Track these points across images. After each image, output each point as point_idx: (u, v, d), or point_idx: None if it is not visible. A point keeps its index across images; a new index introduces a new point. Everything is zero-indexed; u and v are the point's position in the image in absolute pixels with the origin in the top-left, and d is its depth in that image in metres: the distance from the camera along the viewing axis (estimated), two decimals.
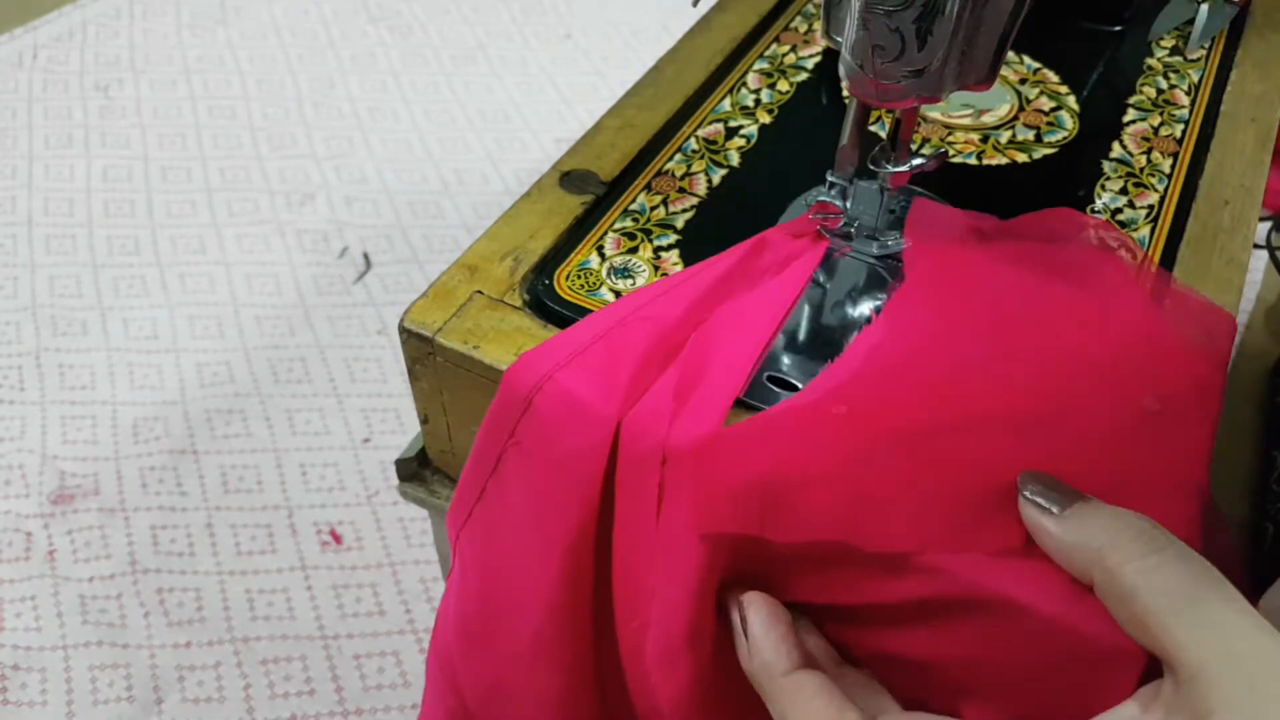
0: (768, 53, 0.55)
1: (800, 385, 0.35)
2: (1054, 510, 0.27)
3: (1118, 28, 0.57)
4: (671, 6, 1.63)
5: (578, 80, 1.50)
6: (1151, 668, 0.26)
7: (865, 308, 0.40)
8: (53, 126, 1.35)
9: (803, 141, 0.49)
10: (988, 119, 0.50)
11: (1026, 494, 0.28)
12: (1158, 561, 0.25)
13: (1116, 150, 0.49)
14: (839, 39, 0.36)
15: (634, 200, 0.45)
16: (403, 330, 0.40)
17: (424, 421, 0.45)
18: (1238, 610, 0.24)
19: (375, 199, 1.28)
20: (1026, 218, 0.39)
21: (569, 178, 0.47)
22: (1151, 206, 0.46)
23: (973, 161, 0.48)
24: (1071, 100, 0.52)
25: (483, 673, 0.39)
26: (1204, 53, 0.56)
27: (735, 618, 0.32)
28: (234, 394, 1.03)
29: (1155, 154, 0.49)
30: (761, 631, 0.31)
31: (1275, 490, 0.54)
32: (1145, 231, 0.45)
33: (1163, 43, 0.56)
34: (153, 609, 0.85)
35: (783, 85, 0.53)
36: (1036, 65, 0.54)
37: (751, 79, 0.53)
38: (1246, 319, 0.94)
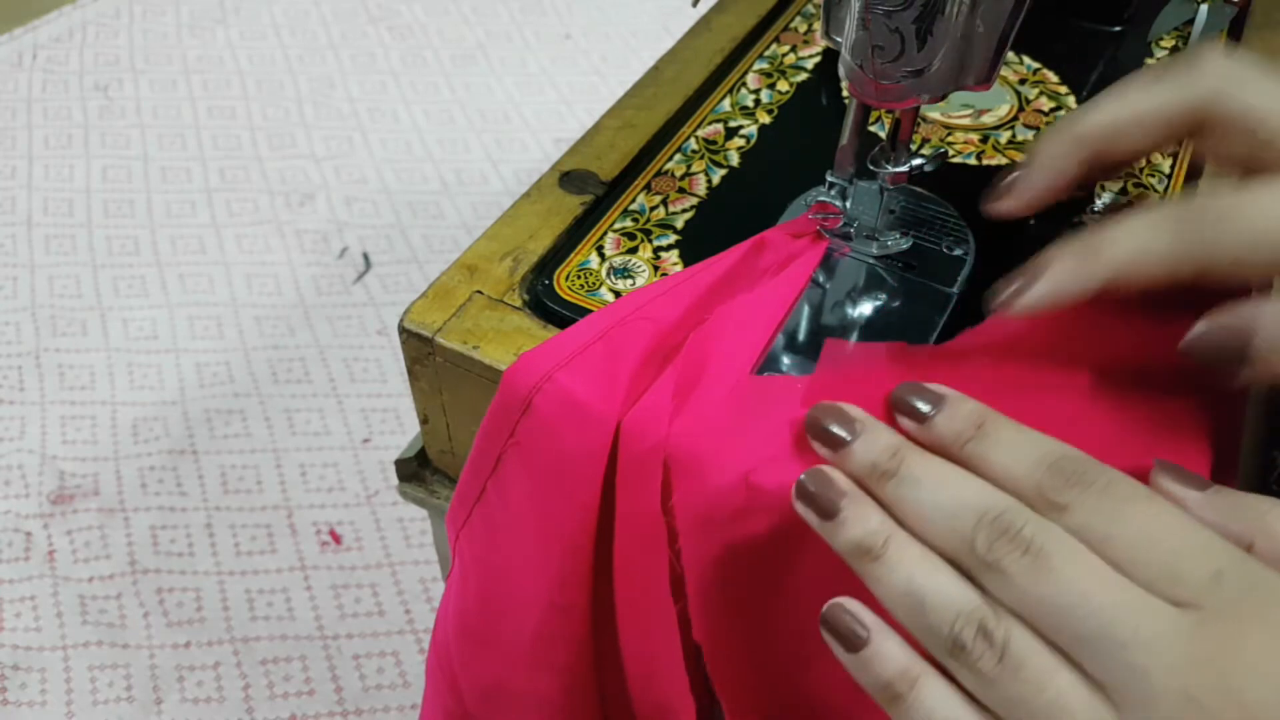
0: (767, 53, 0.55)
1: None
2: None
3: (1118, 28, 0.57)
4: (671, 6, 1.63)
5: (578, 80, 1.50)
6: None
7: (865, 308, 0.40)
8: (52, 127, 1.35)
9: (803, 141, 0.49)
10: (987, 119, 0.50)
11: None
12: None
13: None
14: (839, 39, 0.36)
15: (634, 200, 0.45)
16: (402, 330, 0.40)
17: (424, 422, 0.45)
18: None
19: (375, 199, 1.28)
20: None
21: (569, 178, 0.47)
22: None
23: (972, 162, 0.48)
24: (1071, 100, 0.52)
25: (482, 673, 0.39)
26: None
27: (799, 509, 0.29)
28: (234, 394, 1.03)
29: (1154, 154, 0.49)
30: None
31: (1275, 490, 0.54)
32: None
33: (1163, 43, 0.56)
34: (152, 609, 0.85)
35: (782, 85, 0.53)
36: (1036, 65, 0.54)
37: (751, 79, 0.53)
38: None
